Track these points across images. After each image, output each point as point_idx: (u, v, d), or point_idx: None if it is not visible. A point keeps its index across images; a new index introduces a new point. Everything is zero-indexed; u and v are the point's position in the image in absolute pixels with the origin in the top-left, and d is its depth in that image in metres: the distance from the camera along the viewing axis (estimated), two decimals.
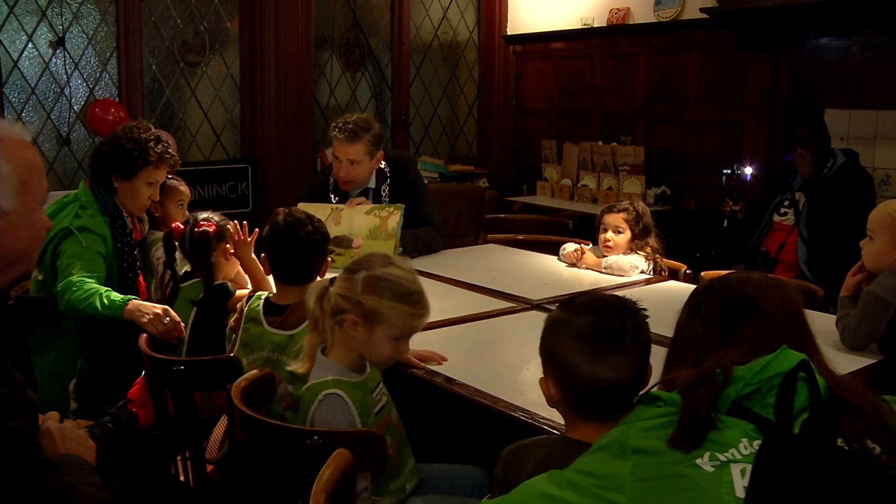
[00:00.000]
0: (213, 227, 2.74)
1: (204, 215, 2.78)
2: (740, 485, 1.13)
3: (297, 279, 2.36)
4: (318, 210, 3.18)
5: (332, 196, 3.62)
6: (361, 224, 3.38)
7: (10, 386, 1.36)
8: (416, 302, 1.92)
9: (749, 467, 1.14)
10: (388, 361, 1.99)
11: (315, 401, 1.87)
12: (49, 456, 1.48)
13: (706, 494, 1.14)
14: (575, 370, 1.50)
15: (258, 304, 2.36)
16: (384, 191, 3.65)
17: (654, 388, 1.32)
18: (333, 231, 3.26)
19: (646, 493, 1.17)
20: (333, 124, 3.57)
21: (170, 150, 3.00)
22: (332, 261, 3.00)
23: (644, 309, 1.58)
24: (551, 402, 1.60)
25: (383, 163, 3.67)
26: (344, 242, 3.34)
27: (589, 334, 1.50)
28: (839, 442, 1.18)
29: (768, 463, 1.13)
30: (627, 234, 3.40)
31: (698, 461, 1.16)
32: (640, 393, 1.40)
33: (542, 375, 1.60)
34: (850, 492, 1.09)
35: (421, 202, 3.65)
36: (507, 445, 1.59)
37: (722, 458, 1.16)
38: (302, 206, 3.16)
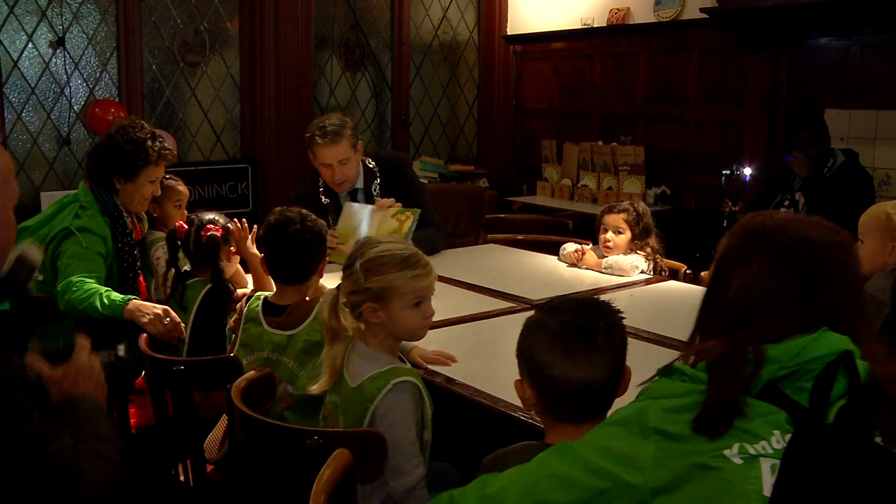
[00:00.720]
0: (221, 231, 2.76)
1: (209, 217, 2.79)
2: (769, 482, 1.07)
3: (293, 278, 2.37)
4: (374, 211, 3.39)
5: (323, 198, 3.61)
6: (385, 227, 3.39)
7: (10, 366, 1.36)
8: (415, 263, 1.96)
9: (779, 464, 1.07)
10: (421, 331, 2.03)
11: (383, 389, 1.87)
12: (64, 394, 1.51)
13: (731, 489, 1.08)
14: (546, 369, 1.50)
15: (257, 305, 2.36)
16: (375, 190, 3.65)
17: (677, 362, 1.24)
18: (367, 232, 3.36)
19: (666, 477, 1.13)
20: (309, 134, 3.49)
21: (167, 146, 3.00)
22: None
23: (620, 311, 1.58)
24: (527, 405, 1.61)
25: (372, 162, 3.67)
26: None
27: (560, 333, 1.51)
28: (877, 438, 1.09)
29: (797, 461, 1.06)
30: (627, 235, 3.40)
31: (726, 452, 1.09)
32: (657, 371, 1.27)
33: (517, 378, 1.61)
34: (882, 497, 1.02)
35: (420, 203, 3.64)
36: (498, 449, 1.59)
37: (752, 450, 1.09)
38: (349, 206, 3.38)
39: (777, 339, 1.16)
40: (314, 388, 1.95)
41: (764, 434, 1.09)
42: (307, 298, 2.38)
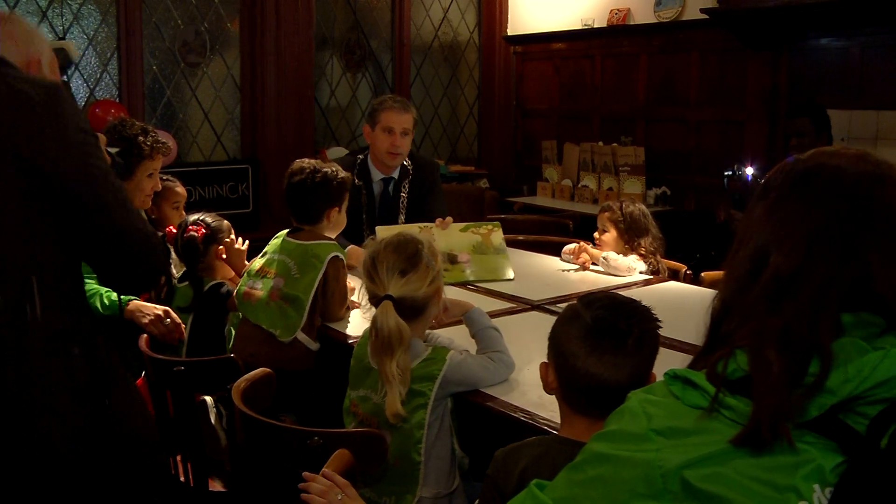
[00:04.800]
0: (202, 231, 2.74)
1: (194, 218, 2.79)
2: None
3: (303, 219, 2.72)
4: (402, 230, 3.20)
5: (356, 180, 3.58)
6: (461, 241, 3.36)
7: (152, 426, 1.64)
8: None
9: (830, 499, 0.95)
10: None
11: (447, 357, 1.98)
12: None
13: None
14: (571, 358, 1.51)
15: (285, 231, 2.75)
16: (404, 187, 3.70)
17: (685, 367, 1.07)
18: None
19: None
20: (379, 100, 3.67)
21: (159, 139, 2.99)
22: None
23: (658, 321, 1.58)
24: (547, 389, 1.63)
25: (407, 160, 3.72)
26: (447, 259, 3.29)
27: (592, 327, 1.52)
28: None
29: (849, 495, 0.92)
30: (613, 233, 3.45)
31: None
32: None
33: (544, 361, 1.62)
34: None
35: (443, 208, 3.68)
36: (503, 446, 1.60)
37: None
38: (380, 229, 3.07)
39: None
40: (397, 411, 1.91)
41: (804, 492, 0.94)
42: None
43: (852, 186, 1.03)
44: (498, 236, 3.41)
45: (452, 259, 3.30)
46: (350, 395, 2.09)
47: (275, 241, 2.74)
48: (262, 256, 2.72)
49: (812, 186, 1.05)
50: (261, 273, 2.66)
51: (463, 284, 3.20)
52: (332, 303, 2.62)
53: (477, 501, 1.61)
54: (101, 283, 2.29)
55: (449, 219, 3.45)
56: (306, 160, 2.80)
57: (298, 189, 2.71)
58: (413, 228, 3.29)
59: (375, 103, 3.69)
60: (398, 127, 3.57)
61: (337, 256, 2.61)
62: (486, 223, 3.49)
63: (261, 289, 2.61)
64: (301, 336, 2.55)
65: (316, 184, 2.70)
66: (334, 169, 2.77)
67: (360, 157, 3.72)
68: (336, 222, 2.79)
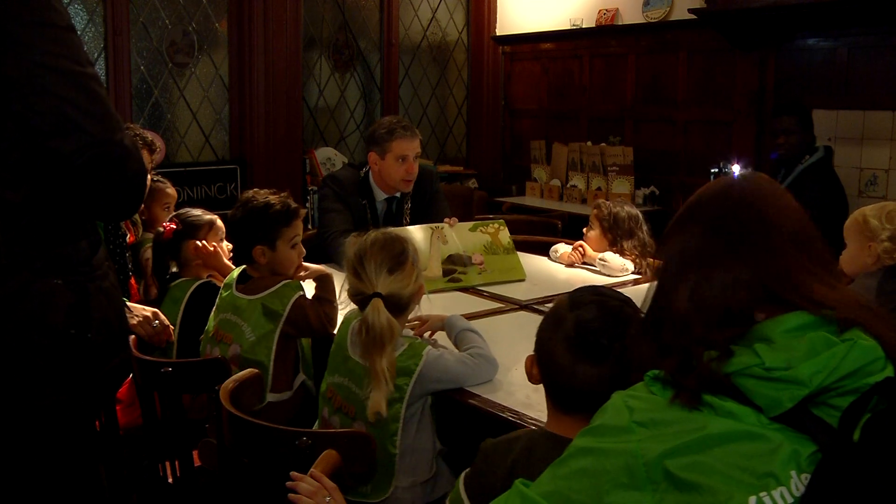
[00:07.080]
0: (171, 228, 2.73)
1: (179, 211, 2.80)
2: None
3: (237, 259, 2.58)
4: (416, 232, 3.22)
5: (361, 199, 3.59)
6: (472, 241, 3.35)
7: None
8: None
9: (804, 492, 0.97)
10: None
11: (423, 352, 2.00)
12: None
13: None
14: (553, 366, 1.51)
15: (236, 273, 2.56)
16: (407, 202, 3.67)
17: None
18: (444, 251, 3.28)
19: None
20: (385, 127, 3.52)
21: (144, 135, 2.96)
22: (459, 280, 3.19)
23: None
24: (532, 380, 1.62)
25: None
26: (462, 261, 3.27)
27: (576, 337, 1.49)
28: None
29: (824, 488, 0.94)
30: (596, 231, 3.46)
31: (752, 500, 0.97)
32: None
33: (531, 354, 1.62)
34: None
35: (443, 211, 3.68)
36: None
37: (767, 501, 0.97)
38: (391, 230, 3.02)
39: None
40: (380, 409, 1.93)
41: (781, 477, 0.97)
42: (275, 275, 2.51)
43: (716, 210, 1.18)
44: (505, 235, 3.41)
45: (466, 262, 3.26)
46: (327, 380, 2.09)
47: (224, 294, 2.51)
48: (217, 314, 2.51)
49: (679, 221, 1.21)
50: (217, 338, 2.47)
51: (469, 289, 3.18)
52: (328, 328, 2.43)
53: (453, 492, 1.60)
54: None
55: (454, 218, 3.46)
56: (255, 191, 2.56)
57: (227, 225, 2.60)
58: (425, 229, 3.31)
59: (383, 131, 3.51)
60: (412, 154, 3.51)
61: (297, 300, 2.40)
62: (490, 221, 3.47)
63: (219, 356, 2.42)
64: (273, 397, 2.38)
65: (238, 220, 2.50)
66: (269, 201, 2.49)
67: (362, 172, 3.64)
68: (275, 261, 2.48)
